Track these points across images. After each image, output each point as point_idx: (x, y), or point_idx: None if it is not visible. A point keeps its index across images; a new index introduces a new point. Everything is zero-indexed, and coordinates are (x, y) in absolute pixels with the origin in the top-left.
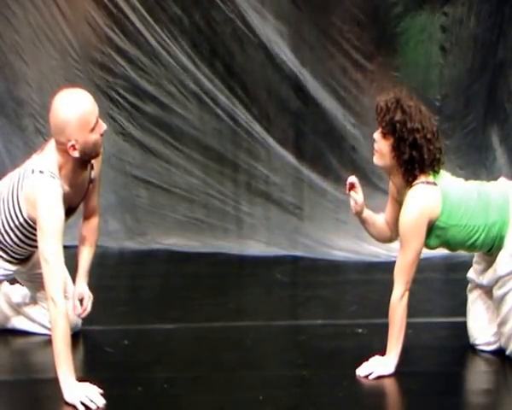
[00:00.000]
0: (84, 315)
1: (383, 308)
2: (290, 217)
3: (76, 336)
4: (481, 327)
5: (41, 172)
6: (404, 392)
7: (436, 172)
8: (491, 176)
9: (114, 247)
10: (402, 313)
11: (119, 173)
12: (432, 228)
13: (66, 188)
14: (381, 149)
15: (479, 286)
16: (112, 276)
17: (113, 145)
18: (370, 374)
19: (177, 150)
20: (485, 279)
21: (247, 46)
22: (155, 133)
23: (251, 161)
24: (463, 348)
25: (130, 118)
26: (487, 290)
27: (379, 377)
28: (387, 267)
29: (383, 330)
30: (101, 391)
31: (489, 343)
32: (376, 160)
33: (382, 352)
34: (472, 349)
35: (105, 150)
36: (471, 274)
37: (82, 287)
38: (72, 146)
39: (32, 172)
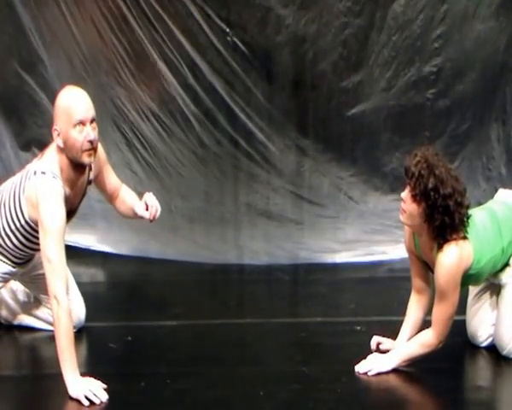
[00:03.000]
0: (154, 213)
1: (381, 306)
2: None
3: (80, 332)
4: (482, 321)
5: (43, 173)
6: (403, 389)
7: (465, 228)
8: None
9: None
10: (424, 353)
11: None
12: (465, 277)
13: (68, 190)
14: (411, 212)
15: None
16: (115, 273)
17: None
18: (369, 371)
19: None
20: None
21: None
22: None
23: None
24: (461, 344)
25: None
26: (485, 288)
27: (378, 374)
28: (386, 266)
29: (381, 327)
30: (105, 386)
31: (491, 335)
32: (405, 219)
33: (380, 349)
34: (470, 347)
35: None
36: None
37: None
38: (56, 131)
39: (34, 173)
